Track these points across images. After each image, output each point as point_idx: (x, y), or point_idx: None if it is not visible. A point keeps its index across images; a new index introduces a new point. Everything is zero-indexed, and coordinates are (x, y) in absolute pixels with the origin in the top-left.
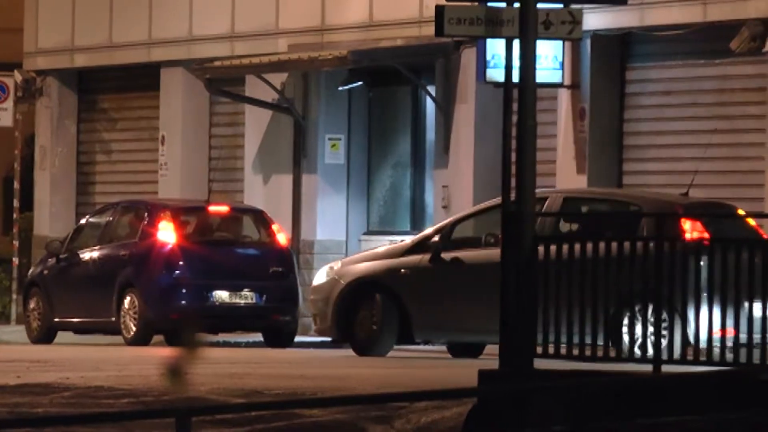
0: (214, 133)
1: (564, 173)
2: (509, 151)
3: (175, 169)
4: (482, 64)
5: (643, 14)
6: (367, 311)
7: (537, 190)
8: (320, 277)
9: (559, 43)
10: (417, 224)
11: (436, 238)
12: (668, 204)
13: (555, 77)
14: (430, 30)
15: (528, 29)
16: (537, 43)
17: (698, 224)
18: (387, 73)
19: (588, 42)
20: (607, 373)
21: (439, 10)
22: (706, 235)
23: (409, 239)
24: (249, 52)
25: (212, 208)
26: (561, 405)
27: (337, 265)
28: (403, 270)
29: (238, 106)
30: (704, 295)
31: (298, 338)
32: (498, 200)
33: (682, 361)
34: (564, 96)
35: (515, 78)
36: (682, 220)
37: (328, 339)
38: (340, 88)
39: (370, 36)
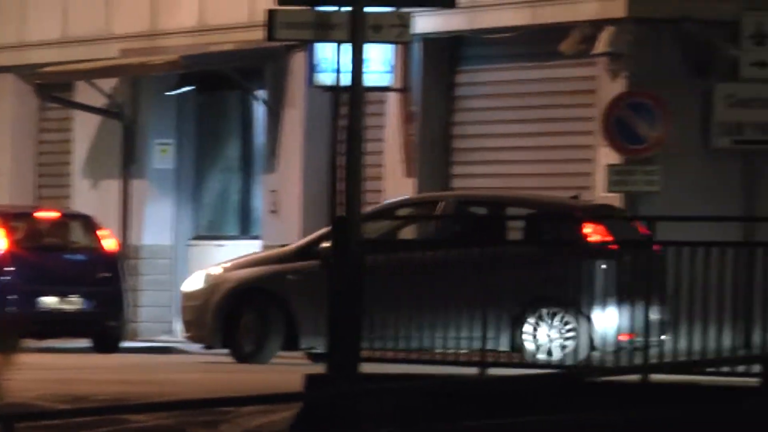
0: (43, 138)
1: (392, 176)
2: (338, 156)
3: (5, 175)
4: (311, 68)
5: (472, 17)
6: (251, 318)
7: (430, 194)
8: (195, 283)
9: (389, 46)
10: (245, 229)
11: (325, 244)
12: (564, 207)
13: (384, 81)
14: (260, 34)
15: (357, 33)
16: (366, 47)
17: (601, 228)
18: (217, 77)
19: (418, 45)
20: (435, 377)
21: (270, 14)
22: (610, 238)
23: (294, 245)
24: (81, 57)
25: (40, 214)
26: (388, 408)
27: (216, 270)
28: (290, 276)
29: (68, 111)
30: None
31: (126, 343)
32: (386, 204)
33: (509, 364)
34: (393, 99)
35: (344, 82)
36: (584, 224)
37: (158, 344)
38: (169, 93)
39: (201, 40)
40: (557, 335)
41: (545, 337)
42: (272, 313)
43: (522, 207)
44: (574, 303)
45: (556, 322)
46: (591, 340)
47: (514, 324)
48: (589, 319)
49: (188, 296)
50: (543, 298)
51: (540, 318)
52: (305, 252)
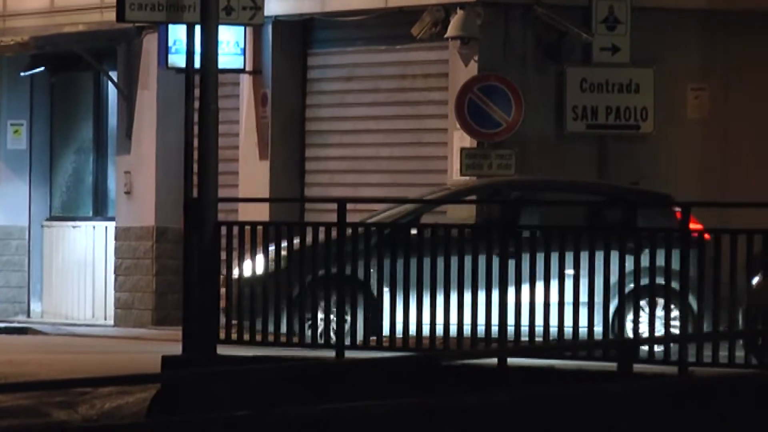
0: None
1: (247, 159)
2: (192, 137)
3: None
4: (164, 50)
5: (324, 0)
6: None
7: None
8: None
9: (242, 28)
10: (100, 210)
11: None
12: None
13: (237, 63)
14: (112, 15)
15: (209, 15)
16: (219, 29)
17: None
18: (70, 58)
19: (270, 28)
20: (291, 359)
21: None
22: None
23: None
24: None
25: None
26: (244, 390)
27: None
28: None
29: None
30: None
31: None
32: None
33: (365, 347)
34: (246, 82)
35: (197, 64)
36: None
37: (13, 325)
38: (22, 74)
39: (53, 22)
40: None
41: None
42: None
43: (593, 194)
44: None
45: None
46: None
47: None
48: None
49: None
50: None
51: None
52: None
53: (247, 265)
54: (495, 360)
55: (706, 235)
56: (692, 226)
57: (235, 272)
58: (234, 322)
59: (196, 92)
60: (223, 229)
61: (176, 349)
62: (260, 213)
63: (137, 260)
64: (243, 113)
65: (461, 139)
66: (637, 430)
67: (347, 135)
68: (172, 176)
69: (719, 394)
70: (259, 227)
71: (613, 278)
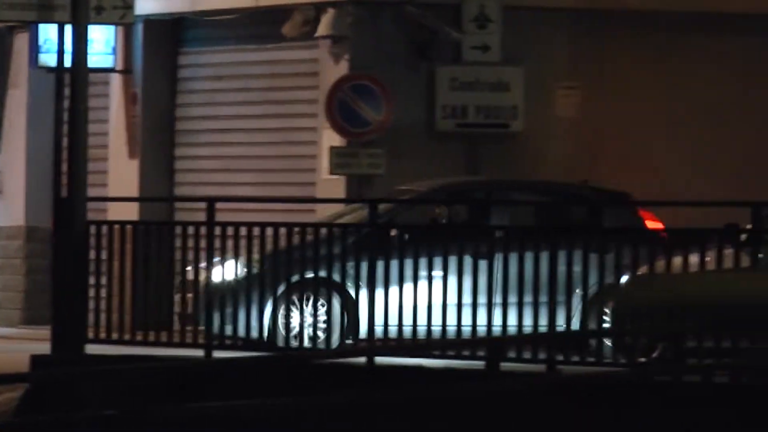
0: None
1: (116, 158)
2: (61, 137)
3: None
4: (35, 49)
5: (194, 0)
6: None
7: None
8: None
9: (112, 28)
10: None
11: None
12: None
13: (107, 62)
14: None
15: (80, 14)
16: (89, 28)
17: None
18: None
19: (140, 27)
20: (162, 358)
21: None
22: None
23: None
24: None
25: None
26: (114, 389)
27: None
28: None
29: None
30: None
31: None
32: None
33: (233, 347)
34: (116, 81)
35: (68, 63)
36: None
37: None
38: None
39: None
40: None
41: None
42: None
43: (556, 194)
44: None
45: None
46: None
47: None
48: None
49: None
50: None
51: None
52: None
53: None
54: (364, 359)
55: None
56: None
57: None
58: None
59: (67, 91)
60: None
61: (45, 348)
62: (130, 212)
63: (7, 259)
64: (113, 112)
65: (331, 138)
66: (504, 428)
67: (217, 134)
68: (43, 175)
69: (586, 392)
70: (129, 226)
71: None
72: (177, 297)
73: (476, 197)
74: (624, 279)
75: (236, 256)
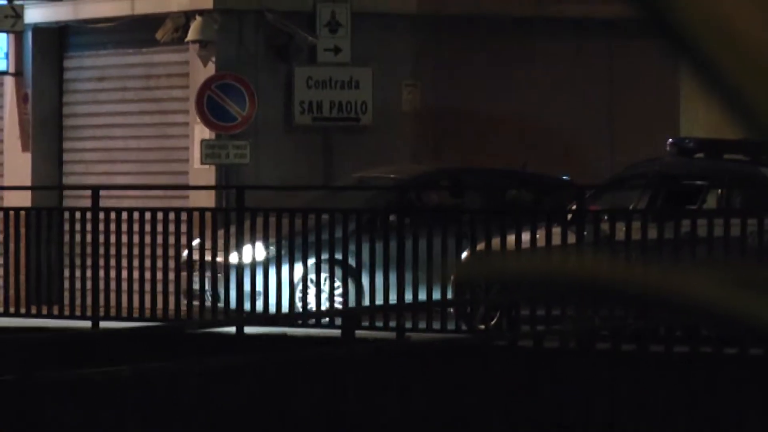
0: None
1: (11, 151)
2: None
3: None
4: None
5: (77, 8)
6: None
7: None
8: None
9: (4, 35)
10: None
11: None
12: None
13: (1, 66)
14: None
15: None
16: None
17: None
18: None
19: (30, 34)
20: (53, 329)
21: None
22: None
23: None
24: None
25: None
26: (10, 357)
27: None
28: None
29: None
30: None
31: None
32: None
33: (117, 317)
34: (9, 83)
35: None
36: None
37: None
38: None
39: None
40: None
41: None
42: None
43: (511, 179)
44: None
45: None
46: None
47: None
48: None
49: None
50: None
51: None
52: None
53: None
54: (233, 328)
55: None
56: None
57: None
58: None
59: None
60: None
61: None
62: (23, 199)
63: None
64: (7, 111)
65: (201, 132)
66: (360, 390)
67: (100, 129)
68: None
69: (433, 356)
70: (22, 212)
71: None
72: (183, 274)
73: (452, 182)
74: (464, 254)
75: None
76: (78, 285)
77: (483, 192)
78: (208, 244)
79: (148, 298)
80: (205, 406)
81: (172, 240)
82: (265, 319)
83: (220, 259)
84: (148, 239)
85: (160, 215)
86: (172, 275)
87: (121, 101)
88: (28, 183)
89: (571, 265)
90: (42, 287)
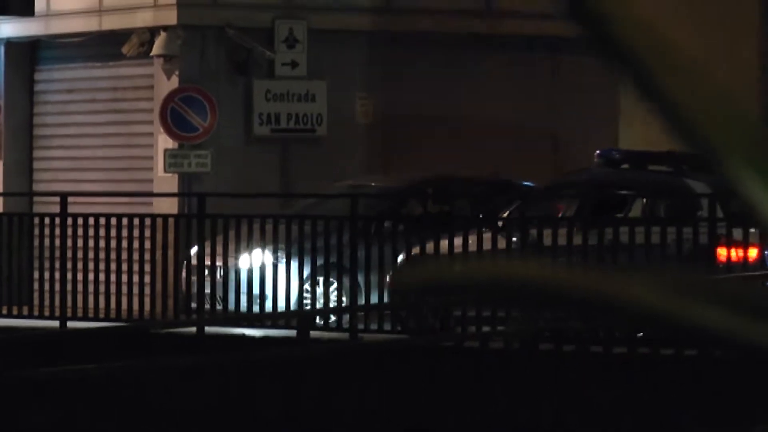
0: None
1: None
2: None
3: None
4: None
5: (48, 24)
6: None
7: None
8: None
9: None
10: None
11: None
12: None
13: None
14: None
15: None
16: None
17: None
18: None
19: (2, 48)
20: (20, 329)
21: None
22: None
23: None
24: None
25: None
26: None
27: None
28: None
29: None
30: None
31: None
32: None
33: (85, 317)
34: None
35: None
36: None
37: None
38: None
39: None
40: None
41: None
42: None
43: (488, 186)
44: None
45: None
46: None
47: None
48: None
49: None
50: None
51: None
52: None
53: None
54: (194, 329)
55: None
56: None
57: None
58: None
59: None
60: None
61: None
62: None
63: None
64: None
65: (165, 142)
66: (313, 388)
67: (69, 139)
68: None
69: (384, 355)
70: None
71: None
72: (183, 276)
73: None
74: (399, 258)
75: (263, 245)
76: (47, 287)
77: (470, 199)
78: (207, 251)
79: (114, 299)
80: (170, 405)
81: (136, 244)
82: (225, 319)
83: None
84: (113, 243)
85: (125, 221)
86: (136, 278)
87: (90, 112)
88: (0, 189)
89: (511, 269)
90: (12, 289)
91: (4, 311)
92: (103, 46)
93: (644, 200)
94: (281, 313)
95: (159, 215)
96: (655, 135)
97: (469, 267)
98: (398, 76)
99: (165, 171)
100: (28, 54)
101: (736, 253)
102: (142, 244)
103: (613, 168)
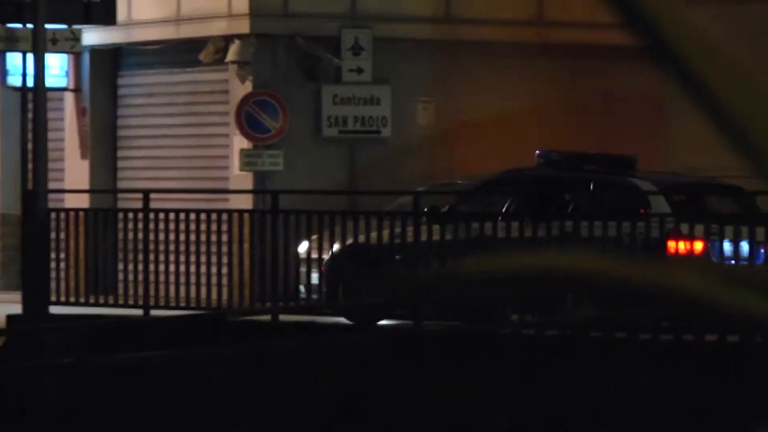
0: None
1: (71, 158)
2: (27, 142)
3: None
4: (3, 72)
5: (129, 32)
6: None
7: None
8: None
9: (65, 55)
10: None
11: None
12: None
13: (61, 83)
14: None
15: (39, 45)
16: (46, 56)
17: None
18: None
19: (87, 55)
20: (107, 316)
21: None
22: None
23: None
24: None
25: None
26: (72, 341)
27: None
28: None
29: None
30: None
31: None
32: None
33: (166, 305)
34: (69, 98)
35: (30, 84)
36: None
37: None
38: None
39: None
40: None
41: None
42: None
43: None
44: None
45: None
46: None
47: None
48: None
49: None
50: None
51: None
52: None
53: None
54: (269, 316)
55: None
56: None
57: None
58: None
59: (30, 106)
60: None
61: (18, 309)
62: (83, 201)
63: None
64: (67, 122)
65: (240, 142)
66: (375, 374)
67: (150, 139)
68: (13, 173)
69: (445, 342)
70: (81, 213)
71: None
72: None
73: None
74: (335, 248)
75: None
76: (131, 277)
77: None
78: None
79: (193, 289)
80: (243, 389)
81: (214, 238)
82: (298, 308)
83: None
84: (192, 237)
85: (203, 216)
86: (214, 269)
87: (168, 115)
88: (87, 187)
89: (559, 261)
90: (99, 279)
91: (92, 300)
92: (181, 53)
93: (579, 197)
94: (344, 302)
95: (235, 210)
96: (697, 137)
97: (523, 259)
98: (457, 81)
99: (240, 170)
100: (111, 61)
101: (684, 246)
102: (219, 238)
103: (552, 167)
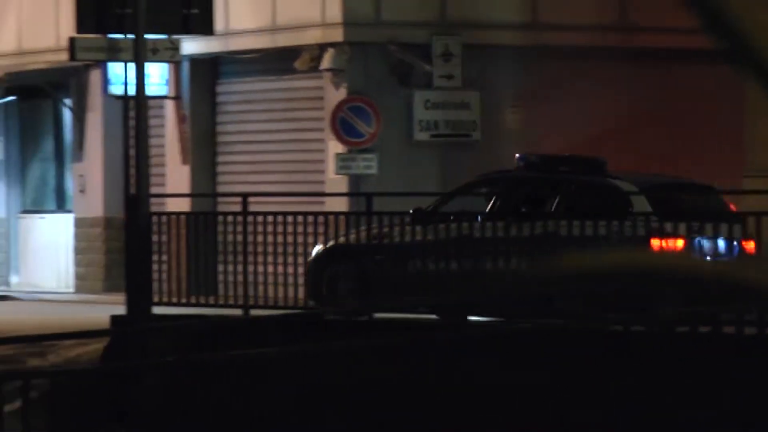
0: None
1: (172, 164)
2: (129, 148)
3: None
4: (106, 81)
5: (227, 42)
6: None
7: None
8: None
9: (165, 64)
10: (61, 205)
11: None
12: None
13: (161, 91)
14: (65, 56)
15: (140, 55)
16: (147, 65)
17: None
18: (34, 89)
19: (187, 64)
20: (208, 316)
21: (72, 40)
22: None
23: None
24: None
25: None
26: (174, 340)
27: None
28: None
29: None
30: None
31: None
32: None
33: (265, 305)
34: (170, 105)
35: (131, 92)
36: None
37: None
38: None
39: (21, 61)
40: None
41: None
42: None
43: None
44: None
45: None
46: None
47: None
48: None
49: None
50: None
51: None
52: None
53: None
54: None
55: None
56: None
57: None
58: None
59: (132, 113)
60: (155, 218)
61: (122, 309)
62: (183, 205)
63: (91, 242)
64: (168, 129)
65: (335, 147)
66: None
67: (248, 144)
68: (116, 178)
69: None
70: (182, 216)
71: None
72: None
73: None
74: (316, 249)
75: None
76: (231, 278)
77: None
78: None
79: (291, 289)
80: (341, 384)
81: (311, 239)
82: (391, 307)
83: None
84: (290, 239)
85: (300, 218)
86: None
87: (266, 121)
88: (187, 191)
89: (656, 258)
90: (200, 280)
91: (193, 300)
92: (277, 61)
93: (557, 199)
94: (439, 300)
95: (331, 213)
96: None
97: (617, 257)
98: (544, 85)
99: (335, 173)
100: (209, 69)
101: (666, 243)
102: (315, 240)
103: (531, 170)
